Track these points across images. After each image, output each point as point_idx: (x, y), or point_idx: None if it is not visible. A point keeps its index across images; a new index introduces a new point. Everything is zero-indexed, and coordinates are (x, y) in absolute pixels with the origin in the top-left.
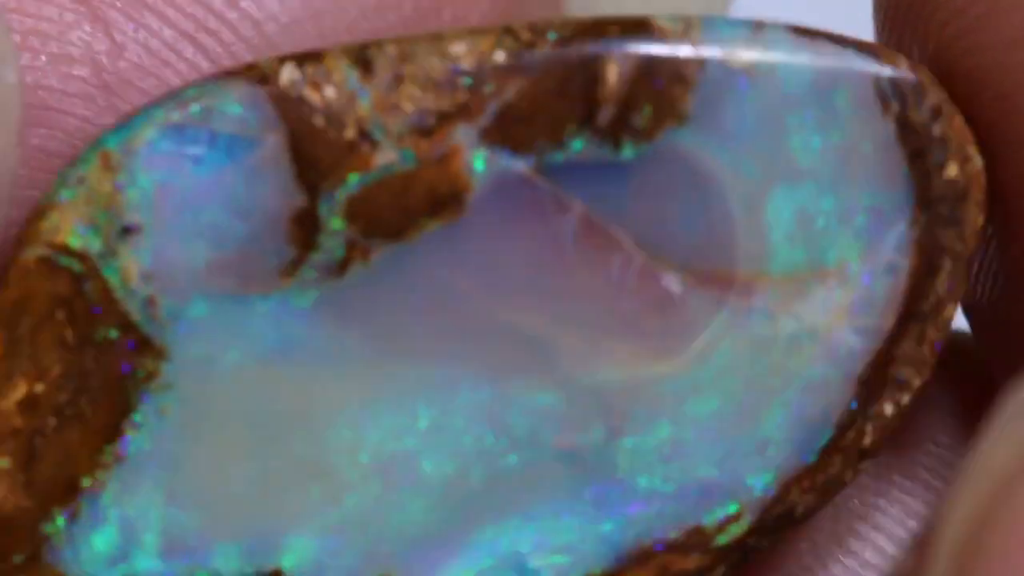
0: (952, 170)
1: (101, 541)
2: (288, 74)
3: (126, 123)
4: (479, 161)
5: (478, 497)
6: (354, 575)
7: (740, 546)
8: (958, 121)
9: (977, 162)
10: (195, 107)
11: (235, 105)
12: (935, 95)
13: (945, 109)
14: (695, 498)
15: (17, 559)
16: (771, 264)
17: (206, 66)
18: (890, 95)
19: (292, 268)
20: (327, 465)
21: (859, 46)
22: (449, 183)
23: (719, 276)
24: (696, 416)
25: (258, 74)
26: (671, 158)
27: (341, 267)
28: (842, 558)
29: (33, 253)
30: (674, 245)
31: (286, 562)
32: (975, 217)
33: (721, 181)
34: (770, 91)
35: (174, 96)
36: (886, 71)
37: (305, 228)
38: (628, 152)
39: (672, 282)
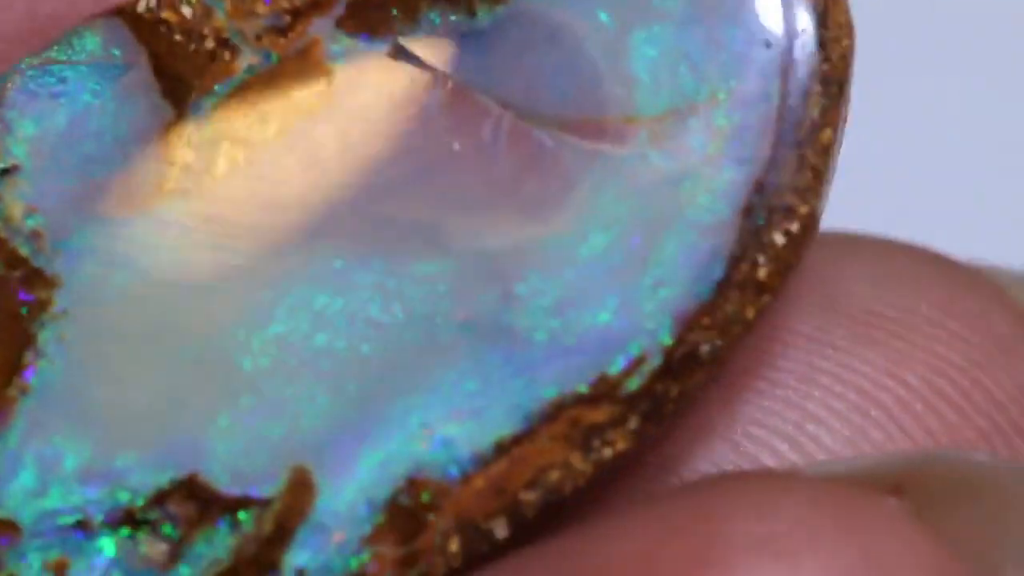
0: None
1: (24, 476)
2: (144, 2)
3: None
4: (337, 50)
5: (384, 375)
6: (268, 469)
7: (649, 393)
8: None
9: None
10: (56, 48)
11: (93, 38)
12: None
13: None
14: (596, 347)
15: None
16: (641, 106)
17: None
18: None
19: (167, 182)
20: (225, 365)
21: None
22: (312, 76)
23: (590, 125)
24: (585, 265)
25: (113, 8)
26: (526, 18)
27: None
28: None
29: None
30: (542, 102)
31: (200, 465)
32: (841, 39)
33: (578, 33)
34: None
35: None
36: None
37: (176, 143)
38: (484, 18)
39: (545, 137)
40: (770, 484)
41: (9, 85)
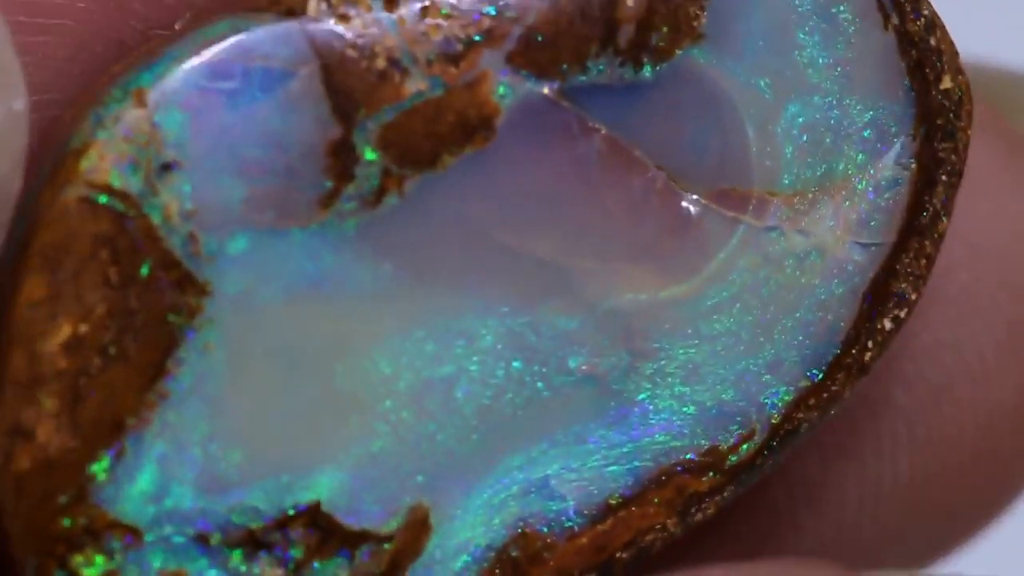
0: (947, 82)
1: (143, 479)
2: (315, 6)
3: (157, 60)
4: (505, 85)
5: (507, 423)
6: (387, 505)
7: (748, 465)
8: (947, 35)
9: (966, 75)
10: (227, 43)
11: (267, 40)
12: (927, 6)
13: (937, 21)
14: (712, 419)
15: (62, 500)
16: (783, 180)
17: None
18: (889, 7)
19: (329, 199)
20: (363, 396)
21: None
22: (478, 109)
23: (735, 195)
24: (713, 336)
25: (284, 7)
26: (688, 77)
27: (377, 197)
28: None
29: (72, 193)
30: (692, 165)
31: (322, 494)
32: (967, 129)
33: (735, 99)
34: (778, 6)
35: (204, 31)
36: None
37: (341, 159)
38: (647, 71)
39: (691, 202)
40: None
41: (175, 74)
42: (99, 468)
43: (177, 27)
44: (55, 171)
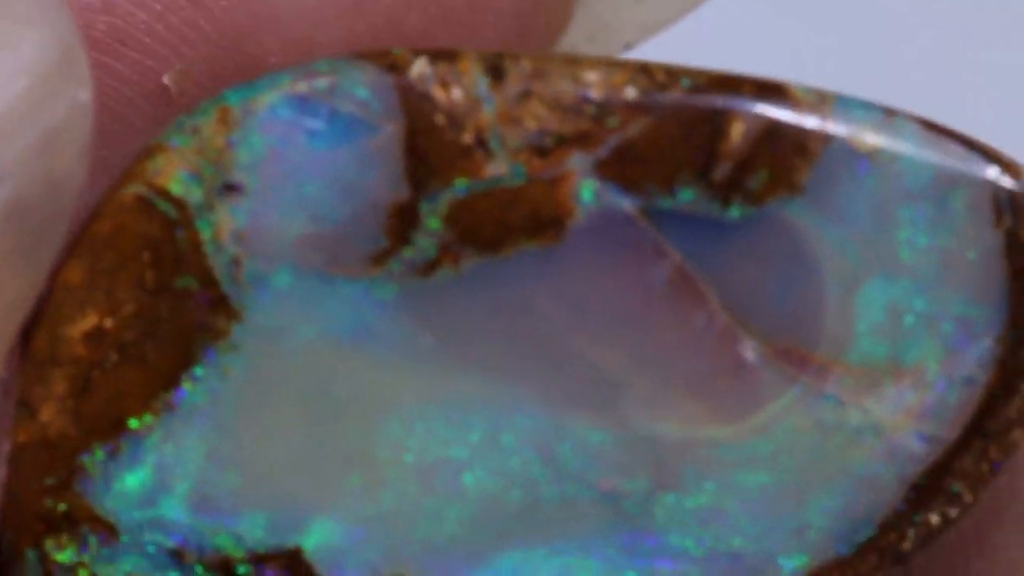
0: None
1: (133, 481)
2: (419, 68)
3: (251, 83)
4: (588, 191)
5: (511, 520)
6: (372, 570)
7: None
8: None
9: None
10: (322, 81)
11: (362, 88)
12: None
13: None
14: (723, 566)
15: (49, 481)
16: (851, 352)
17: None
18: (1006, 207)
19: (382, 258)
20: (371, 457)
21: (986, 152)
22: (554, 207)
23: (798, 354)
24: (743, 487)
25: (389, 62)
26: (776, 226)
27: (430, 267)
28: None
29: (133, 190)
30: (760, 313)
31: (308, 542)
32: None
33: (820, 259)
34: (889, 180)
35: (304, 67)
36: (1007, 182)
37: (403, 222)
38: (735, 212)
39: (750, 350)
40: None
41: (264, 100)
42: (91, 460)
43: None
44: (127, 166)
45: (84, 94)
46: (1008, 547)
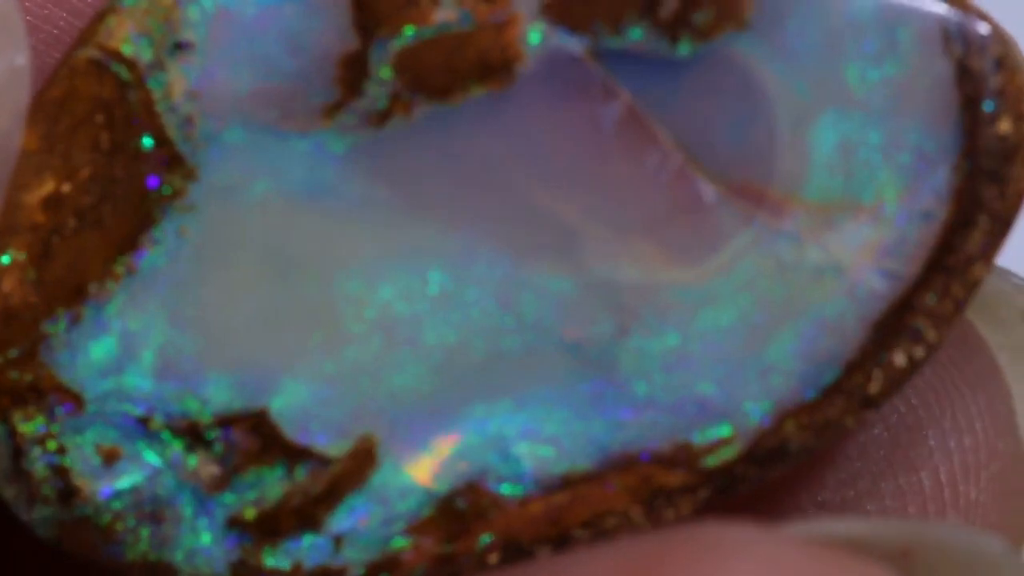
0: (1005, 125)
1: (98, 350)
2: None
3: None
4: (535, 34)
5: (475, 373)
6: (339, 428)
7: (728, 472)
8: (1020, 79)
9: None
10: None
11: None
12: (1001, 47)
13: (1008, 63)
14: (690, 414)
15: (13, 353)
16: (807, 188)
17: None
18: (955, 37)
19: (333, 110)
20: (332, 314)
21: None
22: (502, 51)
23: (753, 190)
24: (705, 330)
25: None
26: (725, 63)
27: (382, 117)
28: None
29: (84, 54)
30: (713, 152)
31: (275, 403)
32: (1019, 177)
33: (771, 95)
34: (835, 13)
35: None
36: (956, 15)
37: (353, 72)
38: (684, 49)
39: (706, 189)
40: (733, 541)
41: None
42: (54, 328)
43: None
44: (82, 32)
45: (20, 58)
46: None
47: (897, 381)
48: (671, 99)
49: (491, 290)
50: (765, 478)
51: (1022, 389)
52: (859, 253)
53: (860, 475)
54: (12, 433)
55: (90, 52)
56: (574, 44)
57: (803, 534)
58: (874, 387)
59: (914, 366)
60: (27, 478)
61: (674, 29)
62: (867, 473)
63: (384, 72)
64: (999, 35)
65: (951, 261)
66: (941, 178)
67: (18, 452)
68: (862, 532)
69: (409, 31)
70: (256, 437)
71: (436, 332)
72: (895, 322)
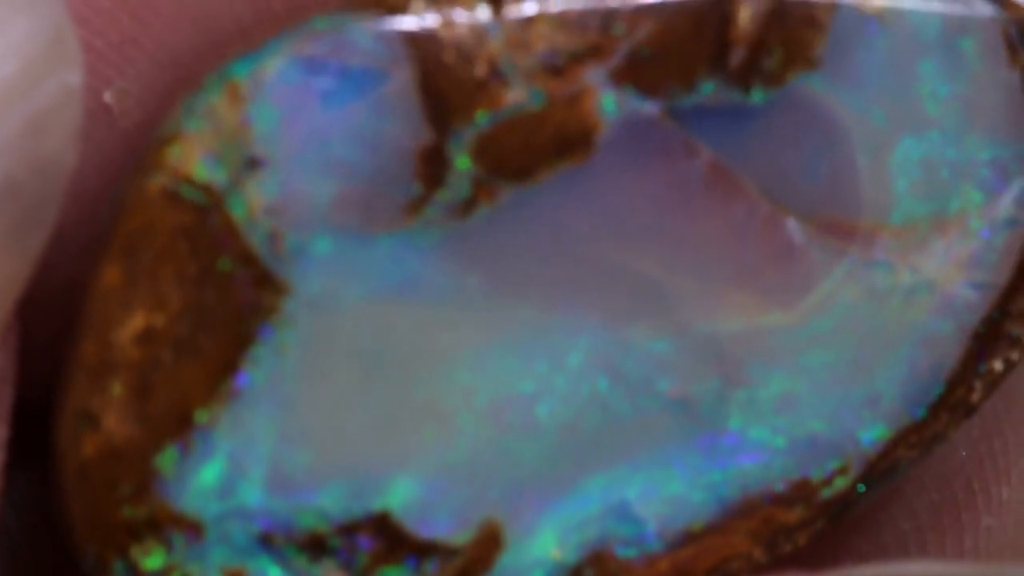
0: None
1: (209, 474)
2: (418, 8)
3: (254, 52)
4: (609, 102)
5: (589, 444)
6: (460, 517)
7: (842, 499)
8: None
9: None
10: (325, 39)
11: (366, 38)
12: None
13: None
14: (804, 451)
15: (125, 490)
16: (893, 214)
17: None
18: (1018, 44)
19: (417, 206)
20: (442, 407)
21: None
22: (578, 124)
23: (842, 226)
24: (810, 368)
25: (387, 7)
26: (799, 103)
27: (467, 207)
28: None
29: (157, 182)
30: (798, 193)
31: (393, 502)
32: None
33: (848, 128)
34: (900, 37)
35: (303, 26)
36: (1014, 19)
37: (432, 166)
38: (757, 96)
39: (795, 232)
40: None
41: (270, 68)
42: (164, 461)
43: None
44: (143, 158)
45: (74, 77)
46: (1017, 503)
47: (995, 385)
48: (750, 146)
49: (594, 360)
50: (875, 498)
51: None
52: (949, 268)
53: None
54: (132, 569)
55: (162, 180)
56: (648, 107)
57: None
58: (975, 396)
59: (1009, 369)
60: None
61: (745, 78)
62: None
63: (463, 162)
64: None
65: None
66: (1021, 186)
67: None
68: (938, 573)
69: (482, 117)
70: (381, 538)
71: (547, 410)
72: (991, 330)
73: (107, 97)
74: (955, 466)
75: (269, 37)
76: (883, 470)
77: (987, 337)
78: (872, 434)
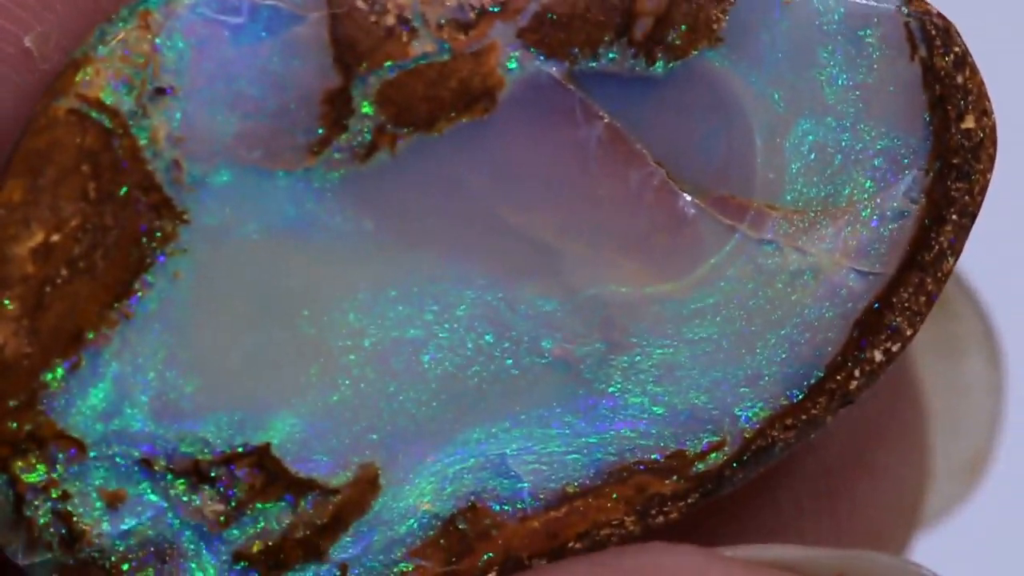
0: (969, 122)
1: (95, 395)
2: None
3: None
4: (513, 60)
5: (471, 396)
6: (338, 458)
7: (716, 475)
8: (978, 75)
9: (993, 117)
10: None
11: None
12: (960, 44)
13: (968, 60)
14: (682, 423)
15: (12, 403)
16: (785, 195)
17: None
18: (919, 39)
19: (319, 147)
20: (328, 347)
21: None
22: (482, 79)
23: (734, 203)
24: (693, 340)
25: None
26: (700, 78)
27: (367, 152)
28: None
29: (64, 104)
30: (693, 166)
31: (274, 437)
32: (986, 172)
33: (747, 107)
34: (804, 21)
35: None
36: (917, 14)
37: (336, 109)
38: (659, 68)
39: (687, 204)
40: (692, 558)
41: (183, 3)
42: (52, 377)
43: None
44: (53, 82)
45: None
46: (892, 466)
47: (874, 375)
48: (649, 116)
49: (482, 314)
50: (749, 478)
51: None
52: (837, 255)
53: (797, 502)
54: (14, 482)
55: (70, 102)
56: (552, 68)
57: (746, 557)
58: (853, 384)
59: (889, 360)
60: (28, 525)
61: (649, 48)
62: (804, 500)
63: (367, 107)
64: (956, 33)
65: (925, 257)
66: (912, 178)
67: (20, 501)
68: (800, 557)
69: (389, 65)
70: (260, 472)
71: (431, 359)
72: (874, 320)
73: (27, 42)
74: (830, 435)
75: None
76: (758, 449)
77: (869, 327)
78: (749, 412)
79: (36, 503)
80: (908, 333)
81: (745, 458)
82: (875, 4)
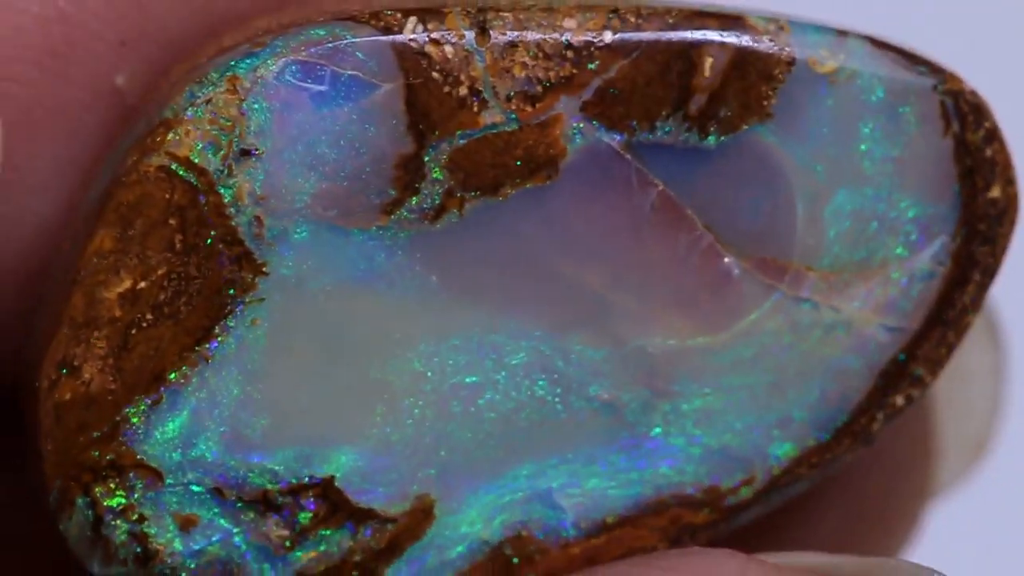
0: (996, 191)
1: (173, 428)
2: (411, 27)
3: (256, 52)
4: (576, 132)
5: (522, 436)
6: (397, 490)
7: (744, 507)
8: (1006, 148)
9: (1017, 186)
10: (323, 47)
11: (360, 50)
12: (990, 119)
13: (997, 134)
14: (717, 462)
15: (95, 434)
16: (822, 259)
17: None
18: (952, 115)
19: (391, 208)
20: (392, 389)
21: (928, 64)
22: (546, 148)
23: (774, 265)
24: (731, 388)
25: (383, 24)
26: (749, 150)
27: (436, 214)
28: None
29: (155, 161)
30: (739, 230)
31: (338, 471)
32: (1008, 235)
33: (791, 177)
34: (847, 99)
35: (302, 32)
36: (951, 92)
37: (409, 173)
38: (711, 140)
39: (731, 265)
40: (731, 561)
41: (270, 67)
42: (134, 411)
43: (283, 21)
44: (143, 137)
45: None
46: (828, 519)
47: (895, 417)
48: (699, 184)
49: (536, 363)
50: (771, 508)
51: None
52: (867, 312)
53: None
54: (94, 505)
55: (160, 160)
56: (611, 139)
57: (779, 563)
58: (876, 426)
59: (909, 404)
60: (105, 543)
61: (703, 123)
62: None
63: (437, 172)
64: (987, 108)
65: (949, 314)
66: (941, 244)
67: (99, 521)
68: (827, 563)
69: (460, 133)
70: (324, 502)
71: (486, 402)
72: (898, 370)
73: (119, 81)
74: None
75: (267, 32)
76: (784, 484)
77: (893, 375)
78: (779, 452)
79: (114, 523)
80: (928, 380)
81: (771, 492)
82: (914, 81)
